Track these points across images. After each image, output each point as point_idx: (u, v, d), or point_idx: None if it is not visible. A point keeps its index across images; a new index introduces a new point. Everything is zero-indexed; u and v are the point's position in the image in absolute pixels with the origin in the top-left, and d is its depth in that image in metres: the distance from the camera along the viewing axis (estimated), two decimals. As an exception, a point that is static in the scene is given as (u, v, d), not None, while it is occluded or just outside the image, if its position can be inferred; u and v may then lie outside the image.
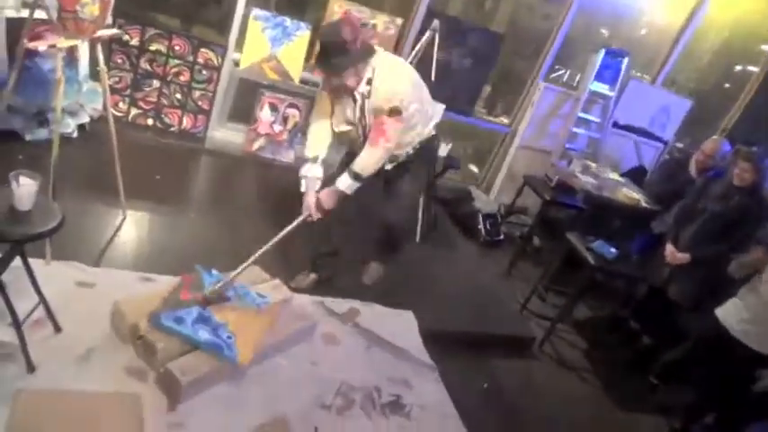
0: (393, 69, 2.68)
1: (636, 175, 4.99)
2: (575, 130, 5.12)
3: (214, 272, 2.64)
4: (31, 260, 2.09)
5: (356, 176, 2.71)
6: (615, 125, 5.34)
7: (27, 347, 2.06)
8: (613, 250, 3.56)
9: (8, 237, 1.85)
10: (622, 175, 4.90)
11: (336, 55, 2.49)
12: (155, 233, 3.18)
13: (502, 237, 4.84)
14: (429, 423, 2.61)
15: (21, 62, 2.54)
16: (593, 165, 4.63)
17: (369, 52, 2.60)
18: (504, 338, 3.54)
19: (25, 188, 1.89)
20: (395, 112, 2.64)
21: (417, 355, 2.99)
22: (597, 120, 5.23)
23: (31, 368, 2.07)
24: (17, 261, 1.99)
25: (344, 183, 2.74)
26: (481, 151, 5.78)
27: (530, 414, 3.10)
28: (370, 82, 2.63)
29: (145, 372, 2.25)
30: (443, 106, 4.18)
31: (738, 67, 6.15)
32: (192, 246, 3.14)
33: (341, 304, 3.12)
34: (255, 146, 4.40)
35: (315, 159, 2.79)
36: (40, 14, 3.12)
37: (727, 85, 6.25)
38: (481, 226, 4.76)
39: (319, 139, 2.82)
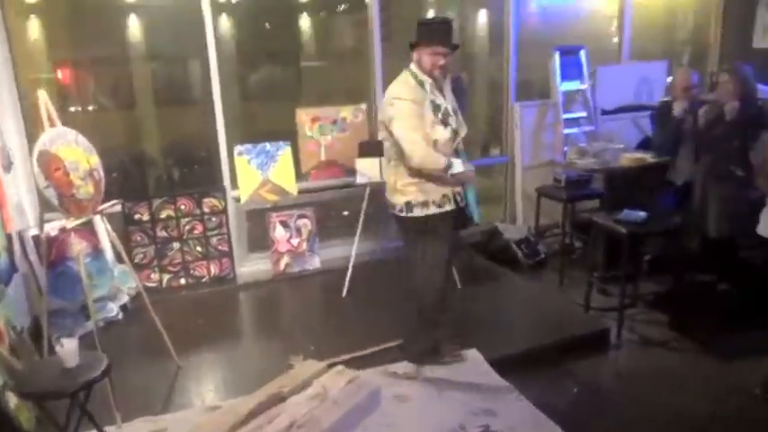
0: None
1: (648, 146, 4.97)
2: (566, 131, 5.20)
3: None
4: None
5: None
6: (605, 112, 5.42)
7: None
8: (642, 213, 3.51)
9: (64, 392, 2.01)
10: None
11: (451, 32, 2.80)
12: (210, 370, 3.31)
13: (543, 255, 4.79)
14: (525, 439, 2.51)
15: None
16: (588, 147, 4.66)
17: None
18: (577, 340, 3.41)
19: (68, 346, 2.07)
20: None
21: (493, 383, 2.92)
22: (583, 114, 5.32)
23: None
24: None
25: None
26: (489, 189, 5.83)
27: (628, 399, 2.94)
28: None
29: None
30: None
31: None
32: (251, 369, 3.24)
33: (404, 365, 3.12)
34: (282, 265, 4.60)
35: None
36: (55, 224, 3.51)
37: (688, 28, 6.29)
38: (518, 253, 4.75)
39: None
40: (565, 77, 5.19)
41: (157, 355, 3.30)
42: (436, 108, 2.82)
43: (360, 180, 4.26)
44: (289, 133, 4.59)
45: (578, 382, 3.06)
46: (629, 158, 4.19)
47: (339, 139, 4.63)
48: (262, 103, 5.39)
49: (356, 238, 4.28)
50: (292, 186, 4.52)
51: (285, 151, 4.52)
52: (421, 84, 2.82)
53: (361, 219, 4.30)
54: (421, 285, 2.96)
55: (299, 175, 4.58)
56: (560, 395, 2.92)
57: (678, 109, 3.91)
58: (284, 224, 4.61)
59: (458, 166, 2.81)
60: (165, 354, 3.27)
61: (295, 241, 4.63)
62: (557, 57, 5.12)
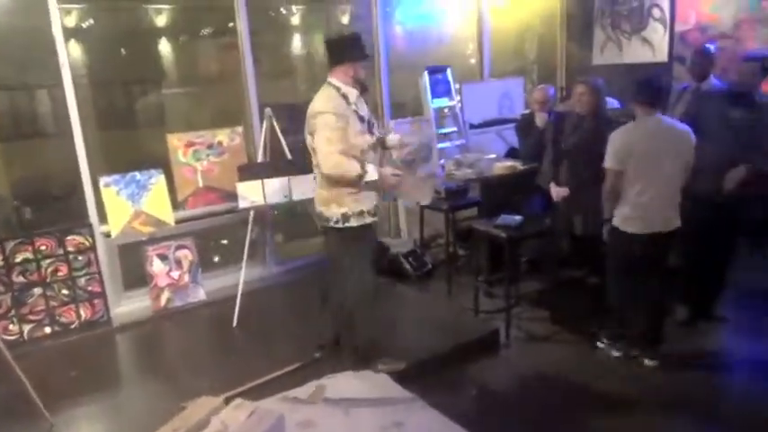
0: None
1: (514, 155, 5.33)
2: (440, 146, 5.43)
3: None
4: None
5: None
6: (472, 126, 5.74)
7: None
8: (517, 218, 3.75)
9: None
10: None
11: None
12: (90, 425, 3.02)
13: (430, 265, 4.92)
14: (434, 446, 2.53)
15: None
16: (464, 158, 4.90)
17: None
18: (470, 344, 3.53)
19: None
20: None
21: (397, 395, 2.92)
22: (454, 129, 5.60)
23: None
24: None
25: None
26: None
27: (524, 395, 3.10)
28: None
29: None
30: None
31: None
32: (138, 417, 2.99)
33: (305, 389, 3.02)
34: (163, 301, 4.29)
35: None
36: None
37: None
38: (406, 265, 4.84)
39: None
40: (435, 95, 5.44)
41: (25, 415, 2.94)
42: (360, 118, 3.02)
43: (242, 204, 4.12)
44: (161, 161, 4.33)
45: (477, 384, 3.16)
46: (502, 167, 4.46)
47: (216, 163, 4.45)
48: (127, 132, 5.05)
49: (243, 265, 4.12)
50: (168, 216, 4.26)
51: (158, 180, 4.24)
52: (344, 96, 2.97)
53: (247, 245, 4.16)
54: (355, 289, 3.12)
55: (176, 204, 4.32)
56: (462, 398, 3.01)
57: (540, 120, 4.25)
58: (162, 257, 4.32)
59: (372, 173, 2.97)
60: (34, 413, 2.91)
61: (175, 274, 4.35)
62: (425, 76, 5.36)
